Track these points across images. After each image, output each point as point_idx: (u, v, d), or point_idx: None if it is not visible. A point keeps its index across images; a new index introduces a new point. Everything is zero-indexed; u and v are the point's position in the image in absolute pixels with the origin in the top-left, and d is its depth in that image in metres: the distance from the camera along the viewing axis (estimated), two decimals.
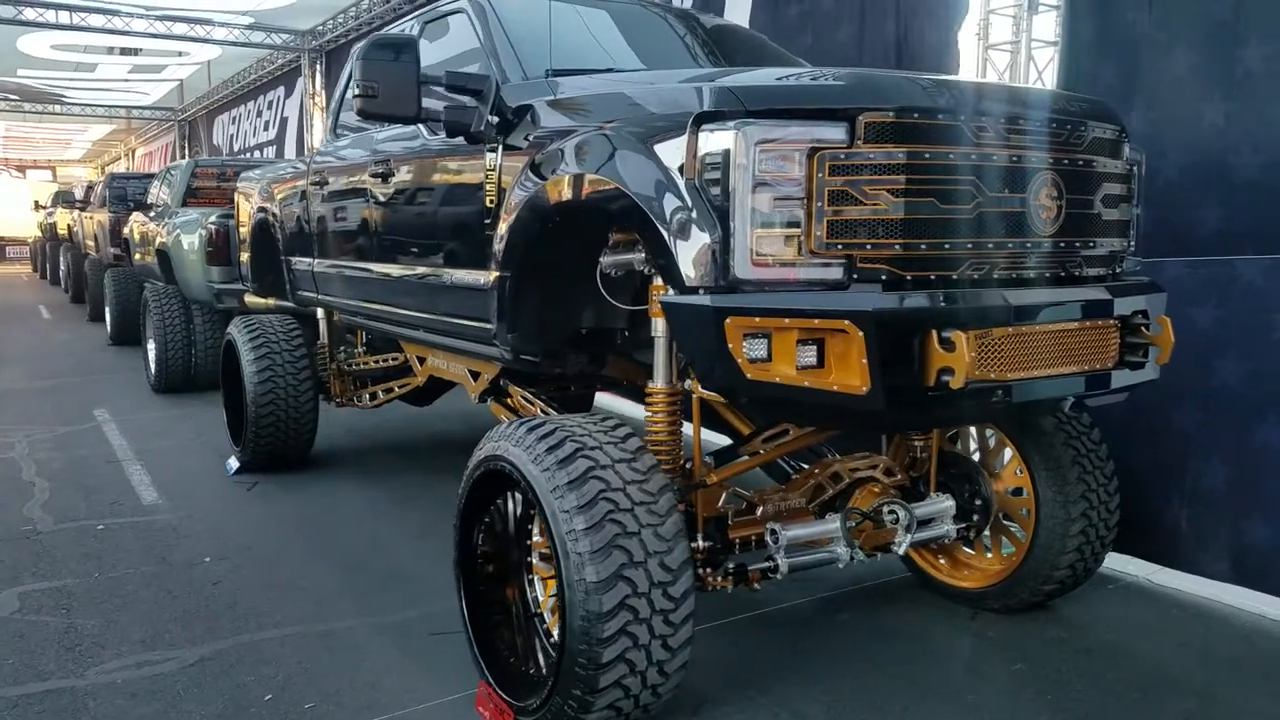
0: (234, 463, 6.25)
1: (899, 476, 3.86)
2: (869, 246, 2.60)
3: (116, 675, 3.50)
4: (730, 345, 2.61)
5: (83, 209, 17.14)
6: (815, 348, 2.61)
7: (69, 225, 19.05)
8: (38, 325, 15.60)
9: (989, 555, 4.08)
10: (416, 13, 4.75)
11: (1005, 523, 4.01)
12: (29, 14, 12.88)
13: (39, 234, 27.83)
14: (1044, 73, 4.62)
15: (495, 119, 3.63)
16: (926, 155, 2.60)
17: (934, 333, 2.55)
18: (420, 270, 4.29)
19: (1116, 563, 4.55)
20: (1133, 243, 3.28)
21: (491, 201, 3.58)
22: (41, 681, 3.47)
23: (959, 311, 2.60)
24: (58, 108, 23.36)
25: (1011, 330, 2.66)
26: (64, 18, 13.12)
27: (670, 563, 2.78)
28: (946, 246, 2.66)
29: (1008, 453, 3.97)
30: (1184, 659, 3.75)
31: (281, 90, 16.37)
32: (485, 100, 3.66)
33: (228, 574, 4.50)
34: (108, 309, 12.54)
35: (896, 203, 2.58)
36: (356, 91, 3.67)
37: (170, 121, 24.70)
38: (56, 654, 3.68)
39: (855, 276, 2.62)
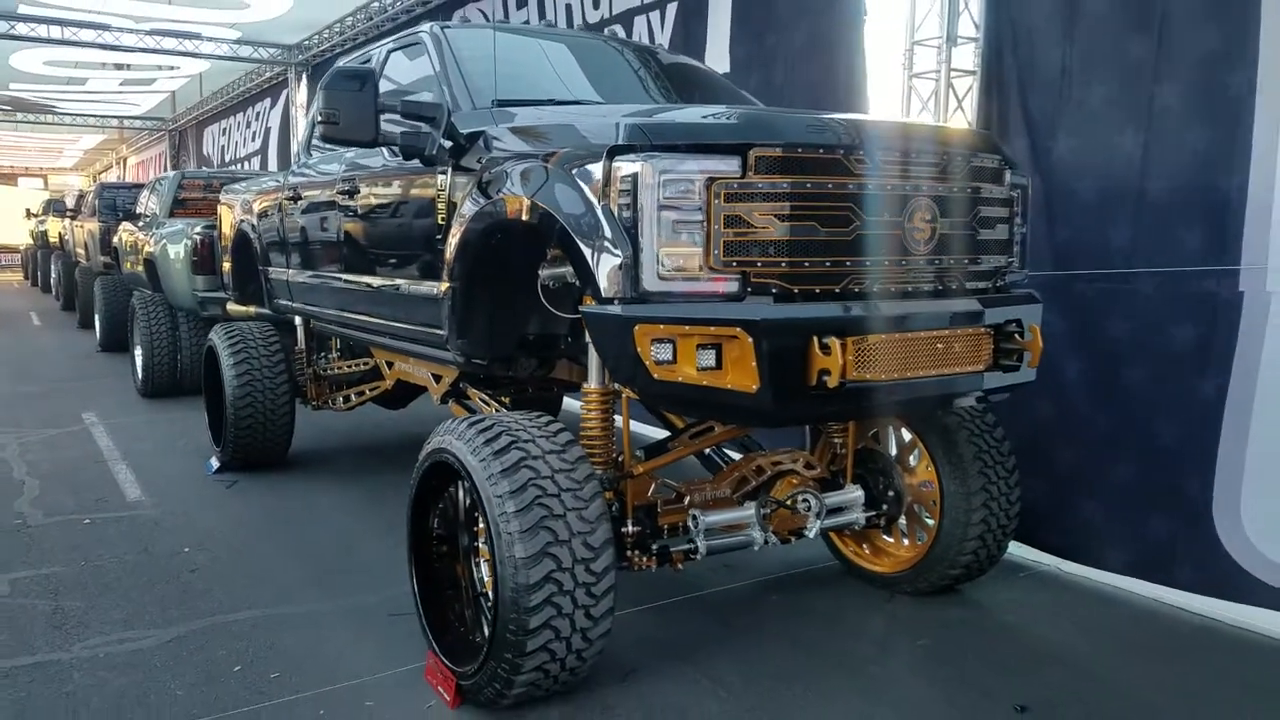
0: (214, 462, 6.60)
1: (819, 470, 4.23)
2: (760, 264, 2.98)
3: (99, 650, 3.84)
4: (639, 349, 2.98)
5: (73, 218, 17.46)
6: (714, 352, 2.98)
7: (60, 233, 19.37)
8: (28, 331, 15.90)
9: (905, 543, 4.45)
10: (386, 39, 5.11)
11: (919, 513, 4.38)
12: (21, 29, 13.19)
13: (30, 242, 28.14)
14: (963, 101, 5.00)
15: (448, 143, 3.99)
16: (808, 185, 2.97)
17: (814, 339, 2.93)
18: (382, 280, 4.66)
19: (1031, 554, 4.94)
20: (1015, 259, 3.66)
21: (443, 219, 3.94)
22: (30, 655, 3.81)
23: (836, 321, 2.97)
24: (50, 118, 23.65)
25: (884, 337, 3.03)
26: (55, 33, 13.43)
27: (593, 542, 3.13)
28: (828, 264, 3.03)
29: (920, 450, 4.34)
30: (1075, 639, 4.11)
31: (267, 102, 16.71)
32: (438, 126, 4.02)
33: (205, 563, 4.85)
34: (97, 316, 12.85)
35: (783, 226, 2.96)
36: (320, 118, 4.04)
37: (161, 131, 25.03)
38: (44, 632, 4.02)
39: (749, 290, 2.99)
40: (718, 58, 6.69)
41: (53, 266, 21.23)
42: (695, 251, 2.97)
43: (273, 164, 16.05)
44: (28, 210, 28.00)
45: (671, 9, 7.19)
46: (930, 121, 4.85)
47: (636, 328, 2.97)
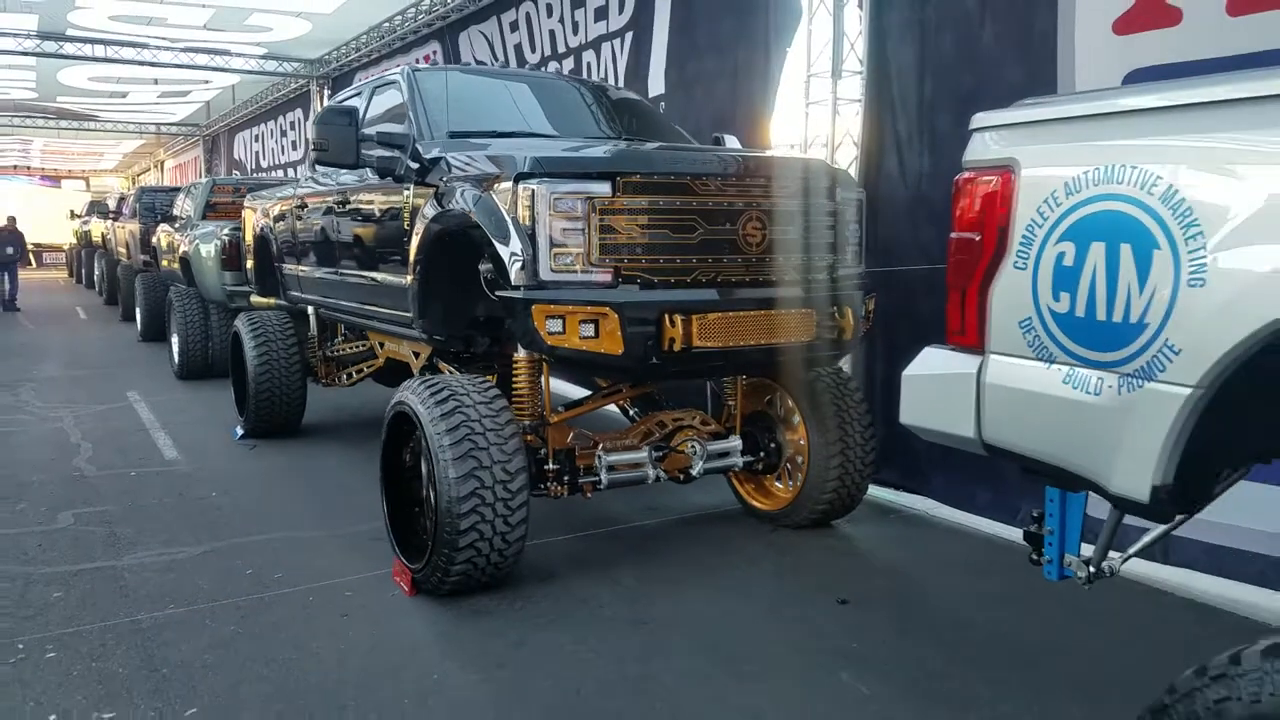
0: (239, 430, 7.76)
1: (714, 426, 5.30)
2: (627, 260, 4.07)
3: (144, 559, 4.98)
4: (536, 323, 4.07)
5: (115, 219, 18.78)
6: (593, 325, 4.06)
7: (103, 234, 20.72)
8: (76, 324, 17.26)
9: (783, 486, 5.50)
10: (371, 78, 6.23)
11: (798, 462, 5.42)
12: (69, 49, 14.49)
13: (74, 241, 29.67)
14: (850, 126, 6.05)
15: (414, 166, 5.09)
16: (661, 202, 4.05)
17: (665, 315, 4.01)
18: (366, 273, 5.77)
19: (909, 500, 5.97)
20: (847, 256, 4.71)
21: (408, 225, 5.04)
22: (91, 562, 4.95)
23: (681, 303, 4.05)
24: (92, 124, 25.08)
25: (719, 315, 4.11)
26: (99, 51, 14.71)
27: (510, 469, 4.21)
28: (678, 261, 4.12)
29: (798, 411, 5.39)
30: (910, 559, 5.18)
31: (299, 112, 17.86)
32: (405, 152, 5.12)
33: (228, 504, 5.99)
34: (138, 309, 14.09)
35: (643, 233, 4.05)
36: (313, 143, 5.16)
37: (195, 137, 26.42)
38: (102, 548, 5.16)
39: (620, 280, 4.07)
40: (656, 79, 7.83)
41: (96, 264, 22.64)
42: (578, 251, 4.05)
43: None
44: (71, 211, 29.54)
45: (629, 37, 8.30)
46: (767, 153, 5.86)
47: (534, 307, 4.06)
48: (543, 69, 9.84)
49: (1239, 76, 1.96)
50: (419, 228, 4.90)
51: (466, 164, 4.76)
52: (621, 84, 8.36)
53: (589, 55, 9.06)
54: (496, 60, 10.82)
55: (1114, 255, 2.10)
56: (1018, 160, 2.34)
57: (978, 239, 2.43)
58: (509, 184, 4.18)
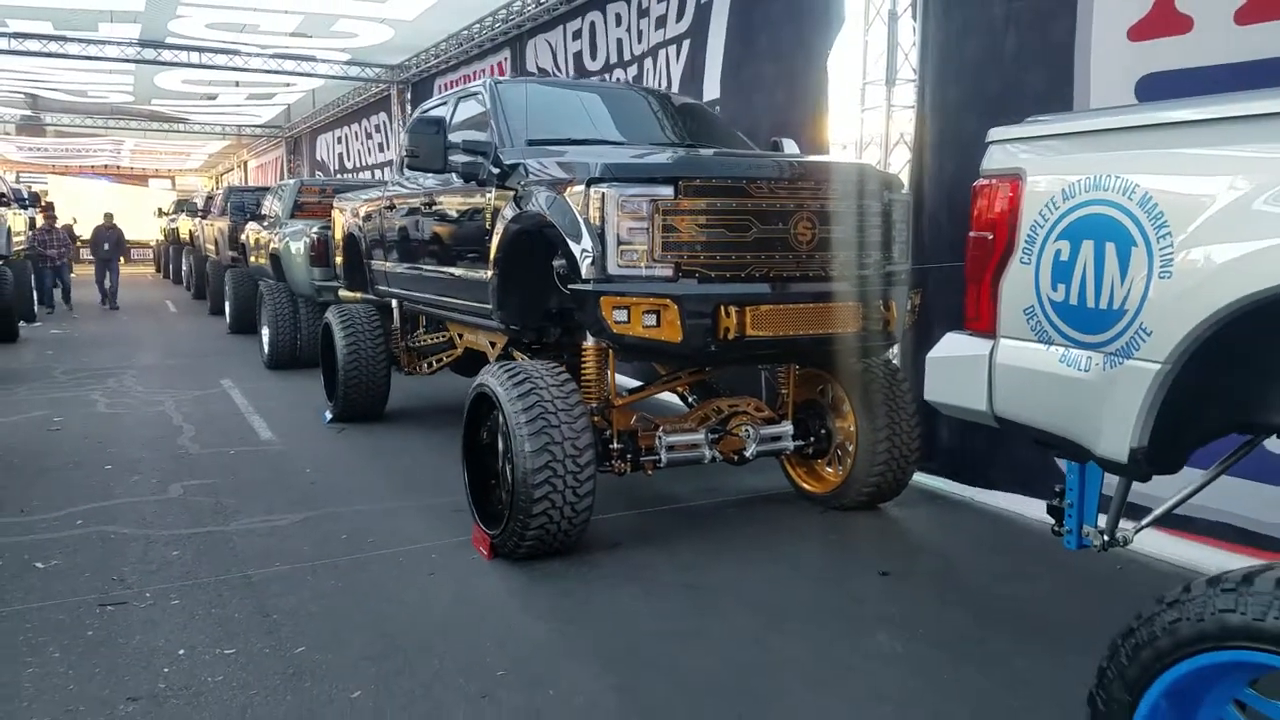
0: (328, 414, 8.33)
1: (767, 412, 5.68)
2: (687, 257, 4.48)
3: (249, 525, 5.52)
4: (604, 313, 4.50)
5: (204, 217, 19.70)
6: (655, 315, 4.47)
7: (191, 231, 21.71)
8: (168, 318, 18.19)
9: (833, 470, 5.86)
10: (458, 89, 6.73)
11: (847, 447, 5.78)
12: (167, 55, 15.34)
13: (161, 238, 30.98)
14: (905, 133, 6.39)
15: (496, 170, 5.55)
16: (719, 204, 4.46)
17: (721, 307, 4.41)
18: (450, 269, 6.26)
19: (952, 486, 6.29)
20: (894, 253, 5.06)
21: (489, 224, 5.51)
22: (202, 527, 5.50)
23: (735, 296, 4.45)
24: (181, 126, 26.20)
25: (769, 307, 4.50)
26: (194, 58, 15.55)
27: (579, 445, 4.65)
28: (733, 258, 4.51)
29: (848, 400, 5.75)
30: (950, 539, 5.52)
31: (384, 115, 18.49)
32: (488, 158, 5.59)
33: (320, 478, 6.53)
34: (227, 303, 14.85)
35: (701, 232, 4.46)
36: (405, 150, 5.66)
37: (278, 138, 27.45)
38: (210, 515, 5.72)
39: (680, 275, 4.48)
40: (711, 84, 8.26)
41: (184, 260, 23.69)
42: (643, 249, 4.47)
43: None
44: (159, 209, 30.87)
45: (686, 44, 8.72)
46: (820, 157, 6.21)
47: (602, 299, 4.49)
48: (605, 76, 10.31)
49: (1198, 101, 2.31)
50: (499, 227, 5.36)
51: (542, 169, 5.20)
52: (677, 88, 8.78)
53: (646, 61, 9.49)
54: (559, 68, 11.33)
55: (1100, 251, 2.46)
56: (1024, 169, 2.70)
57: (991, 237, 2.79)
58: (581, 188, 4.61)
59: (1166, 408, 2.33)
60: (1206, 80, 4.59)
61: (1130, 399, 2.36)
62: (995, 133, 2.86)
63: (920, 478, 6.10)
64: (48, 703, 3.42)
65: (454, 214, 6.21)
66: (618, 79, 10.17)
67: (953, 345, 2.97)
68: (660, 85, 9.14)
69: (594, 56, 10.65)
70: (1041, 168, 2.67)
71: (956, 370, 2.94)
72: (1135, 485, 2.85)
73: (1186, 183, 2.28)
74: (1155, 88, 4.88)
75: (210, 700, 3.44)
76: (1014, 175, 2.74)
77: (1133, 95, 4.98)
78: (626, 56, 10.01)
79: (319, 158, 23.65)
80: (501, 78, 6.58)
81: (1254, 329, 2.18)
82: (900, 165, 6.44)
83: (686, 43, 8.75)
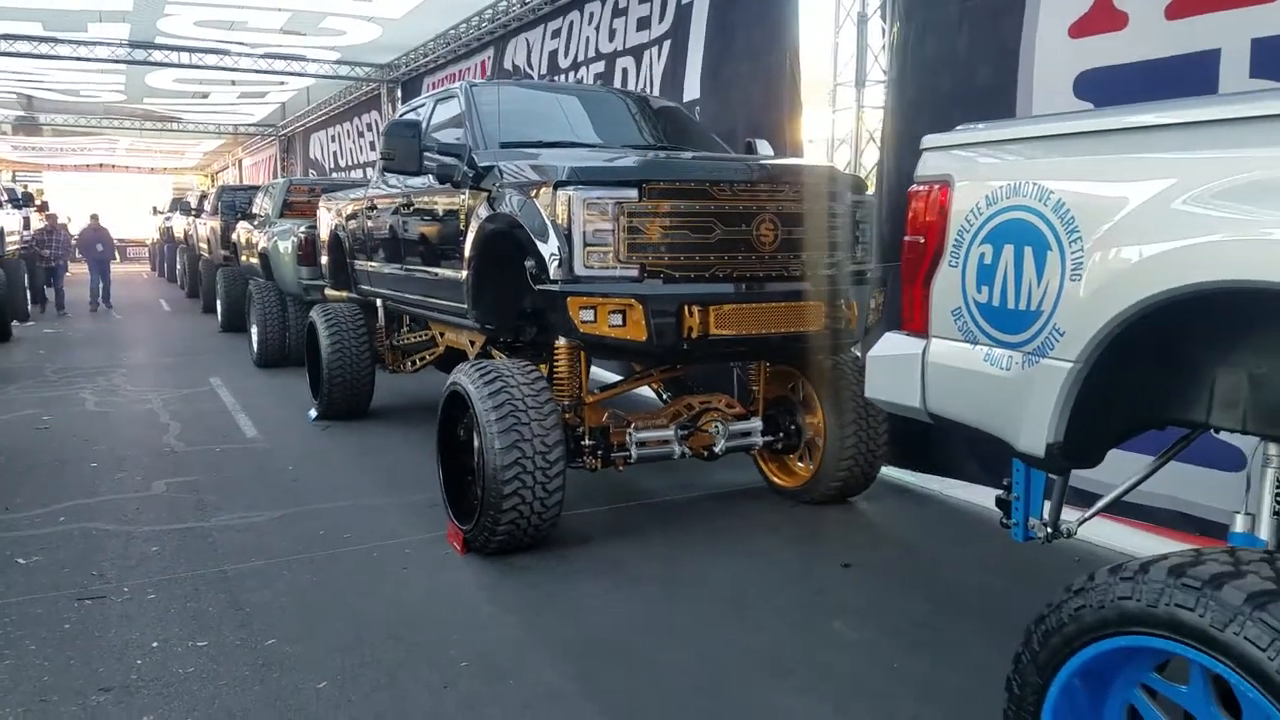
0: (313, 412, 8.44)
1: (738, 409, 5.79)
2: (651, 258, 4.58)
3: (229, 521, 5.63)
4: (571, 313, 4.60)
5: (197, 215, 19.79)
6: (621, 314, 4.58)
7: (184, 230, 21.79)
8: (160, 316, 18.30)
9: (803, 465, 5.97)
10: (434, 92, 6.83)
11: (817, 443, 5.88)
12: (157, 55, 15.44)
13: (157, 237, 31.06)
14: (874, 132, 6.49)
15: (470, 172, 5.65)
16: (682, 206, 4.56)
17: (685, 306, 4.52)
18: (428, 268, 6.37)
19: (925, 481, 6.40)
20: (857, 253, 5.17)
21: (464, 225, 5.62)
22: (183, 523, 5.60)
23: (699, 296, 4.56)
24: (174, 125, 26.27)
25: (733, 307, 4.60)
26: (185, 58, 15.64)
27: (549, 441, 4.76)
28: (698, 258, 4.62)
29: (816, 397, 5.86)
30: (913, 531, 5.65)
31: (375, 114, 18.59)
32: (463, 160, 5.69)
33: (303, 475, 6.64)
34: (219, 302, 14.95)
35: (665, 234, 4.57)
36: (381, 153, 5.76)
37: (272, 137, 27.52)
38: (192, 511, 5.82)
39: (645, 275, 4.59)
40: (691, 84, 8.38)
41: (178, 259, 23.79)
42: (609, 250, 4.58)
43: None
44: (154, 208, 30.93)
45: (666, 44, 8.83)
46: (784, 160, 6.31)
47: (569, 299, 4.60)
48: (574, 74, 10.43)
49: (1102, 111, 2.43)
50: (473, 228, 5.46)
51: (515, 172, 5.30)
52: (658, 88, 8.88)
53: (626, 61, 9.59)
54: (531, 66, 11.47)
55: (1020, 255, 2.56)
56: (952, 176, 2.81)
57: (923, 241, 2.90)
58: (549, 190, 4.71)
59: (1080, 404, 2.44)
60: (1139, 75, 4.70)
61: (1045, 396, 2.47)
62: (928, 140, 2.96)
63: (890, 471, 6.21)
64: (23, 693, 3.53)
65: (431, 215, 6.31)
66: (579, 78, 10.31)
67: (890, 345, 3.09)
68: (643, 86, 9.24)
69: (566, 54, 10.80)
70: (968, 174, 2.77)
71: (893, 368, 3.05)
72: (1089, 476, 2.96)
73: (1095, 189, 2.38)
74: (1092, 83, 4.99)
75: (180, 691, 3.55)
76: (944, 181, 2.84)
77: (1071, 92, 5.08)
78: (592, 54, 10.14)
79: (313, 156, 23.73)
80: (477, 80, 6.66)
81: (1160, 328, 2.29)
82: (871, 165, 6.54)
83: (668, 43, 8.87)
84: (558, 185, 4.65)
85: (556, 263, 4.66)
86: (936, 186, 2.86)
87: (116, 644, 3.95)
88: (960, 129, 2.91)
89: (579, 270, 4.61)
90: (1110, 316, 2.28)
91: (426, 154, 5.81)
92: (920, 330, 2.95)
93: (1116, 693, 2.28)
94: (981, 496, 5.96)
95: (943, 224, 2.83)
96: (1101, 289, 2.32)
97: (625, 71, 9.65)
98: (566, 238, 4.61)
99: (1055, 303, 2.45)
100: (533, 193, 4.89)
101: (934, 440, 6.16)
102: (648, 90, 9.01)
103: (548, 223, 4.70)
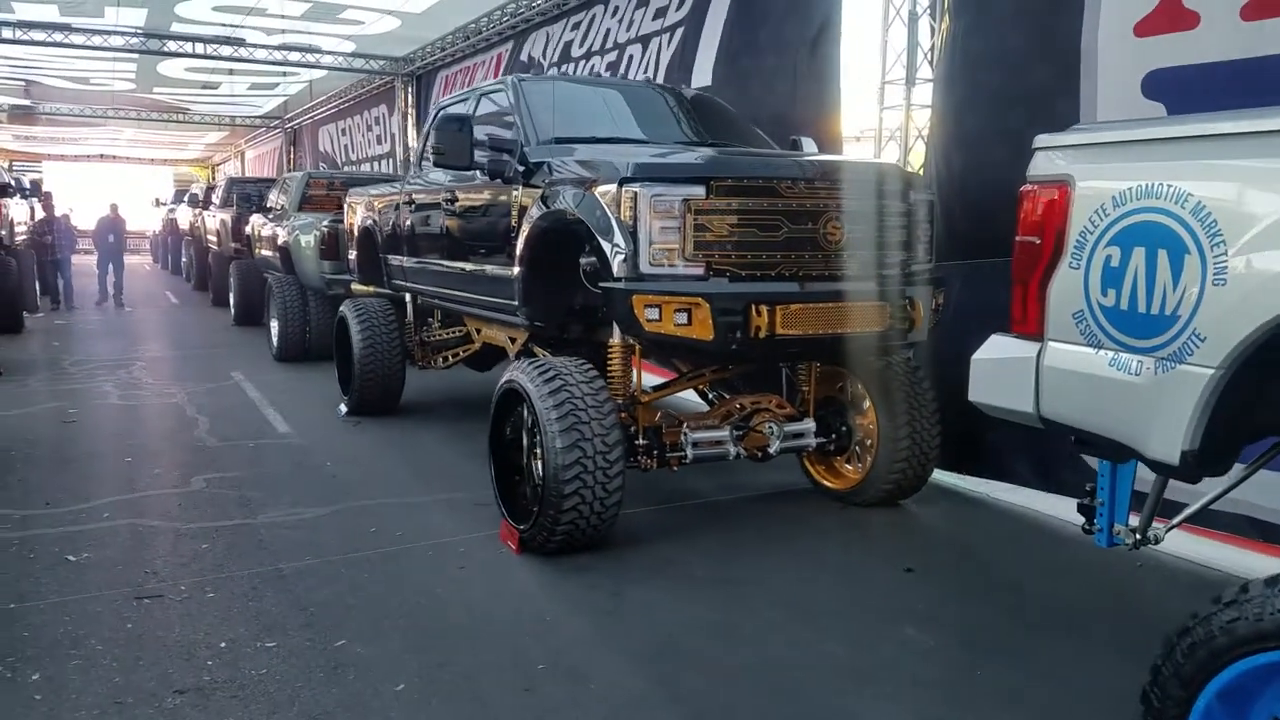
0: (343, 407, 8.37)
1: (789, 409, 5.74)
2: (718, 256, 4.52)
3: (275, 518, 5.56)
4: (636, 311, 4.54)
5: (204, 208, 19.63)
6: (686, 313, 4.52)
7: (191, 222, 21.63)
8: (169, 309, 18.18)
9: (853, 467, 5.92)
10: (481, 84, 6.75)
11: (867, 444, 5.83)
12: (171, 45, 15.33)
13: (159, 228, 30.87)
14: (923, 130, 6.44)
15: (521, 168, 5.59)
16: (750, 204, 4.51)
17: (751, 305, 4.46)
18: (473, 265, 6.30)
19: (968, 483, 6.35)
20: (919, 253, 5.11)
21: (515, 222, 5.55)
22: (229, 520, 5.53)
23: (766, 295, 4.50)
24: (180, 116, 26.15)
25: (799, 306, 4.55)
26: (198, 48, 15.53)
27: (609, 441, 4.70)
28: (764, 257, 4.56)
29: (868, 397, 5.81)
30: (970, 534, 5.60)
31: (384, 108, 18.48)
32: (514, 155, 5.62)
33: (342, 472, 6.57)
34: (232, 295, 14.84)
35: (732, 231, 4.50)
36: (431, 147, 5.68)
37: (278, 129, 27.39)
38: (236, 508, 5.75)
39: (711, 273, 4.53)
40: (702, 72, 8.38)
41: (184, 252, 23.65)
42: (675, 247, 4.52)
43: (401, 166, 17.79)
44: (156, 199, 30.73)
45: (679, 32, 8.79)
46: (848, 157, 6.27)
47: (634, 297, 4.54)
48: (586, 64, 10.40)
49: (1248, 113, 2.37)
50: (525, 224, 5.39)
51: (568, 167, 5.23)
52: (663, 74, 8.82)
53: (634, 48, 9.55)
54: (544, 57, 11.43)
55: (1153, 258, 2.51)
56: (1073, 176, 2.76)
57: (1038, 242, 2.85)
58: (612, 186, 4.65)
59: (1218, 411, 2.39)
60: (1213, 76, 4.65)
61: (1183, 402, 2.42)
62: (1042, 139, 2.90)
63: (939, 474, 6.17)
64: (95, 695, 3.46)
65: (478, 211, 6.24)
66: (590, 66, 10.28)
67: (998, 347, 3.03)
68: (646, 72, 9.21)
69: (581, 45, 10.76)
70: (1091, 175, 2.72)
71: (1003, 372, 2.99)
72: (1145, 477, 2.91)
73: (1240, 192, 2.33)
74: (1161, 83, 4.94)
75: (256, 693, 3.49)
76: (1063, 181, 2.79)
77: (1139, 91, 5.03)
78: (609, 45, 10.10)
79: (322, 149, 23.61)
80: (525, 75, 6.58)
81: None
82: (919, 163, 6.49)
83: (680, 30, 8.84)
84: (623, 182, 4.59)
85: (621, 259, 4.60)
86: (1054, 186, 2.81)
87: (183, 644, 3.88)
88: (1078, 128, 2.86)
89: (644, 268, 4.55)
90: (1260, 324, 2.23)
91: (475, 149, 5.74)
92: (1033, 333, 2.89)
93: (1262, 708, 2.23)
94: (1032, 500, 5.95)
95: (1062, 224, 2.77)
96: (1249, 295, 2.27)
97: (631, 58, 9.59)
98: (631, 235, 4.55)
99: (1195, 308, 2.40)
100: (592, 188, 4.83)
101: (985, 442, 6.12)
102: (650, 76, 9.00)
103: (611, 219, 4.64)
